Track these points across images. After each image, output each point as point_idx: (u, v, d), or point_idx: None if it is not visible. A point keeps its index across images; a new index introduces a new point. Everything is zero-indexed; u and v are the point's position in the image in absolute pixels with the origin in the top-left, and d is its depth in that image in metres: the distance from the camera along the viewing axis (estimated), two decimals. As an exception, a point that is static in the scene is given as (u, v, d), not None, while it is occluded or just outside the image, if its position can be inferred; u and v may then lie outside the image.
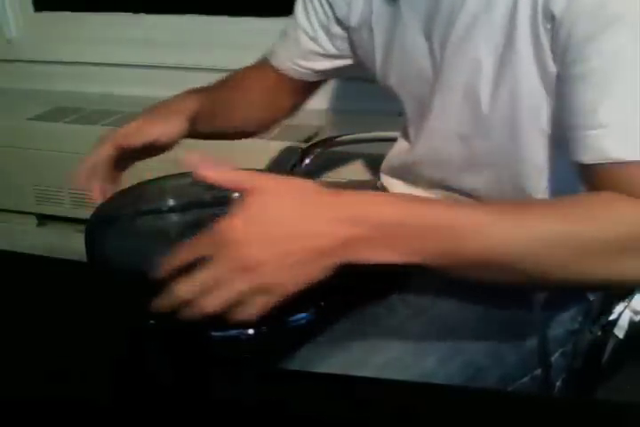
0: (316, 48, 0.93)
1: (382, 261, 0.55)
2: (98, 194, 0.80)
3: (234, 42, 1.77)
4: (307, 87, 1.00)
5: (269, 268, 0.53)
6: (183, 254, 0.56)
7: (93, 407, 0.57)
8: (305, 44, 0.94)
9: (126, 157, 0.84)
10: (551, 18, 0.63)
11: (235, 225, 0.53)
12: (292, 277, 0.54)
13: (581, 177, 0.63)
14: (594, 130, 0.60)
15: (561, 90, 0.65)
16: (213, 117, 0.94)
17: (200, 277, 0.54)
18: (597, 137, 0.59)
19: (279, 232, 0.54)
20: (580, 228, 0.56)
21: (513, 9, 0.67)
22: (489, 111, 0.74)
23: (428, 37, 0.78)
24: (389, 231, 0.54)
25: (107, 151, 0.82)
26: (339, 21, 0.90)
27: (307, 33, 0.93)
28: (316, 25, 0.92)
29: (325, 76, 0.99)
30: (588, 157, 0.60)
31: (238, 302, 0.54)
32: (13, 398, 0.59)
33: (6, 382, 0.61)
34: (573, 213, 0.57)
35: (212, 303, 0.54)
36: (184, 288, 0.54)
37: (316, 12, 0.91)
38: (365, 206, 0.56)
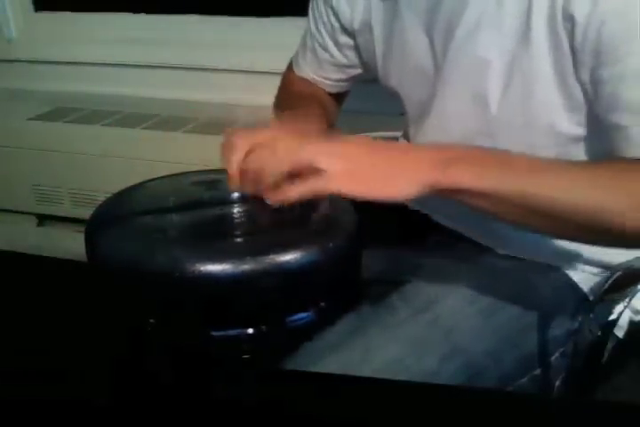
0: (327, 57, 0.95)
1: (460, 184, 0.61)
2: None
3: (234, 42, 1.77)
4: (333, 96, 1.00)
5: (365, 162, 0.61)
6: None
7: (93, 407, 0.57)
8: (320, 53, 0.95)
9: None
10: (570, 19, 0.64)
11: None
12: (385, 177, 0.60)
13: None
14: None
15: (599, 90, 0.66)
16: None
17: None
18: None
19: (379, 146, 0.63)
20: (606, 197, 0.61)
21: (527, 10, 0.67)
22: (498, 112, 0.74)
23: (429, 34, 0.77)
24: (465, 158, 0.62)
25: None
26: (344, 29, 0.90)
27: (318, 41, 0.94)
28: (324, 34, 0.93)
29: (341, 87, 0.99)
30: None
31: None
32: (13, 398, 0.59)
33: (6, 382, 0.61)
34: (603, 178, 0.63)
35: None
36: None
37: (323, 22, 0.92)
38: (443, 146, 0.65)
